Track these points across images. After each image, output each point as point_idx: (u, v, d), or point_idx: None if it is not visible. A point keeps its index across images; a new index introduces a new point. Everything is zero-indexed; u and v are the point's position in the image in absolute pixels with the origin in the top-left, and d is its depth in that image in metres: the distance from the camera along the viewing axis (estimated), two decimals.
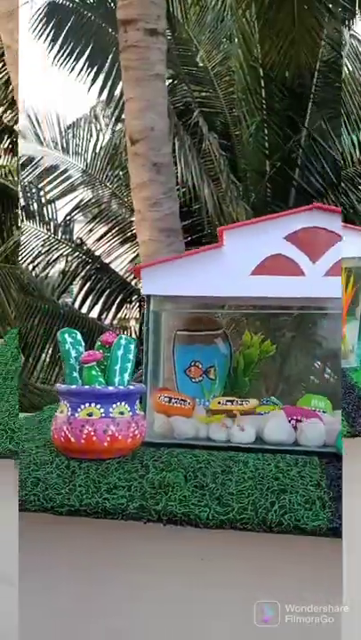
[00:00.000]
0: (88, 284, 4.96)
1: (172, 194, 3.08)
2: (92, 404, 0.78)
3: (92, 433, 0.77)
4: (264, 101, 4.45)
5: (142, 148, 2.99)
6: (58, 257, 5.15)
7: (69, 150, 5.63)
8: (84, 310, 4.82)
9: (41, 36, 4.53)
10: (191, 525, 0.70)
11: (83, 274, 4.93)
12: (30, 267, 5.07)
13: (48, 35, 4.55)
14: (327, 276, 0.86)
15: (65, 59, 4.61)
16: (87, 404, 0.78)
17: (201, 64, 5.17)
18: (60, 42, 4.57)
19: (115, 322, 4.96)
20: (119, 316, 5.05)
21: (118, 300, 5.07)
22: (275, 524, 0.69)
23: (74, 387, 0.80)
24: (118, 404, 0.79)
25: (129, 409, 0.80)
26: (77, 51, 4.63)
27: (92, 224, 5.44)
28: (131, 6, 2.86)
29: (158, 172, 3.00)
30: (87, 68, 4.64)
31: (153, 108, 2.97)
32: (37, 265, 5.08)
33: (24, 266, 5.01)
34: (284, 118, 4.22)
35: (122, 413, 0.79)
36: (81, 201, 5.50)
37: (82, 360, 0.81)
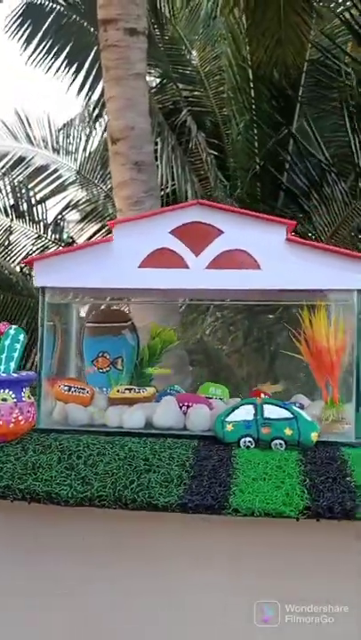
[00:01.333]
0: None
1: (153, 192, 3.11)
2: None
3: None
4: (253, 100, 4.47)
5: (123, 147, 3.03)
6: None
7: (60, 150, 5.68)
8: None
9: (16, 35, 4.56)
10: (52, 503, 0.74)
11: None
12: (20, 267, 5.11)
13: (23, 34, 4.58)
14: (209, 268, 0.90)
15: (42, 57, 4.65)
16: None
17: (193, 63, 5.20)
18: (36, 41, 4.60)
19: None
20: None
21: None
22: (130, 500, 0.72)
23: None
24: (1, 391, 0.84)
25: (13, 396, 0.84)
26: (55, 50, 4.67)
27: (83, 223, 5.49)
28: (111, 6, 2.90)
29: (139, 171, 3.04)
30: (65, 67, 4.68)
31: (134, 107, 3.01)
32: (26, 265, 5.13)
33: (13, 265, 5.05)
34: (273, 118, 4.25)
35: (4, 400, 0.83)
36: (71, 200, 5.56)
37: None
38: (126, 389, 0.98)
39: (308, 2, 3.94)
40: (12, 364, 0.86)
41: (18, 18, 4.51)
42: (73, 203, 5.51)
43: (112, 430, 0.92)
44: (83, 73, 4.66)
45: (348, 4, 4.08)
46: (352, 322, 0.90)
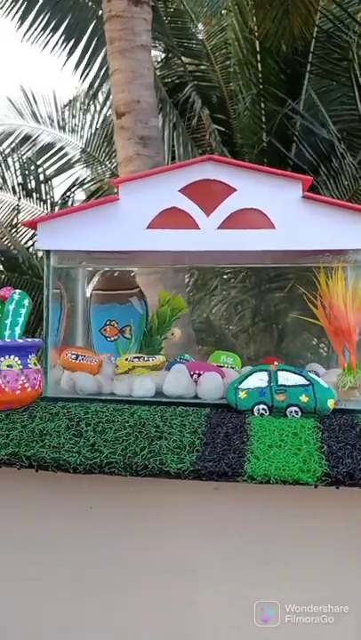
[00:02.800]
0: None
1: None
2: None
3: None
4: (260, 74, 4.37)
5: (128, 122, 2.97)
6: None
7: (66, 128, 5.61)
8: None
9: (10, 12, 4.45)
10: (61, 470, 0.71)
11: None
12: (28, 244, 5.08)
13: (18, 10, 4.46)
14: (221, 228, 0.86)
15: (39, 33, 4.54)
16: None
17: (198, 37, 5.08)
18: (31, 17, 4.48)
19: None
20: None
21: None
22: (140, 467, 0.69)
23: None
24: (7, 357, 0.80)
25: (19, 362, 0.81)
26: (52, 26, 4.55)
27: (90, 201, 5.43)
28: None
29: (145, 146, 2.99)
30: (62, 43, 4.57)
31: (139, 79, 2.94)
32: (34, 244, 5.10)
33: (20, 245, 5.01)
34: (280, 91, 4.15)
35: (10, 366, 0.80)
36: (77, 179, 5.50)
37: None
38: (135, 357, 0.95)
39: None
40: (18, 330, 0.83)
41: None
42: (79, 181, 5.45)
43: (121, 399, 0.89)
44: (80, 49, 4.55)
45: None
46: None
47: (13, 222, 5.05)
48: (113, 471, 0.70)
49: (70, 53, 4.59)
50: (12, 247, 4.83)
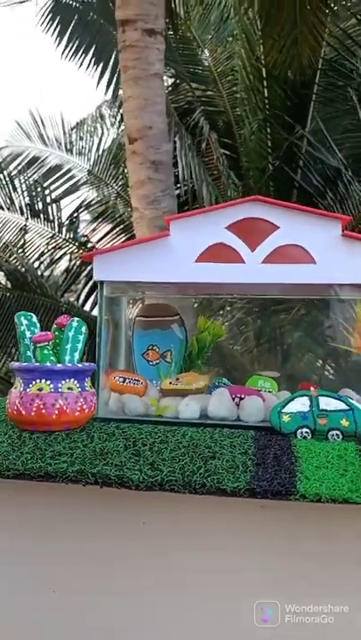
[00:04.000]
0: (91, 282, 5.03)
1: (170, 192, 3.14)
2: (43, 380, 0.85)
3: (42, 406, 0.84)
4: (266, 100, 4.48)
5: (140, 147, 3.06)
6: (62, 255, 5.24)
7: (73, 150, 5.72)
8: (86, 308, 4.90)
9: (48, 30, 4.65)
10: (124, 487, 0.77)
11: (86, 272, 5.01)
12: (36, 264, 5.15)
13: (54, 30, 4.67)
14: (265, 263, 0.92)
15: (73, 54, 4.73)
16: (38, 380, 0.85)
17: (205, 63, 5.22)
18: (66, 37, 4.69)
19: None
20: None
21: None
22: (199, 485, 0.75)
23: (26, 364, 0.87)
24: (67, 380, 0.86)
25: (78, 385, 0.87)
26: (83, 48, 4.74)
27: (96, 223, 5.52)
28: (129, 7, 2.94)
29: (157, 171, 3.07)
30: (94, 65, 4.76)
31: (151, 106, 3.04)
32: (41, 263, 5.17)
33: (28, 264, 5.09)
34: (286, 118, 4.26)
35: (70, 389, 0.86)
36: (84, 200, 5.60)
37: (34, 340, 0.88)
38: (179, 381, 1.01)
39: (324, 1, 3.95)
40: (77, 355, 0.89)
41: (48, 15, 4.61)
42: (86, 203, 5.55)
43: (168, 420, 0.95)
44: (107, 71, 4.72)
45: None
46: None
47: (20, 242, 5.14)
48: (173, 488, 0.76)
49: (101, 75, 4.78)
50: (20, 266, 4.90)
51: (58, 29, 4.60)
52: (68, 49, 4.66)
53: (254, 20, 4.31)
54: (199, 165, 4.45)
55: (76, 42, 4.64)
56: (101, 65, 4.70)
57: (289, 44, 4.04)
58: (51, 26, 4.60)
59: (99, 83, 4.75)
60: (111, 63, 4.67)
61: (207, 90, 5.04)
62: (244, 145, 4.80)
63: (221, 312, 4.17)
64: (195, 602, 0.82)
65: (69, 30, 4.62)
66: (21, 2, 4.68)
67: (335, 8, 4.20)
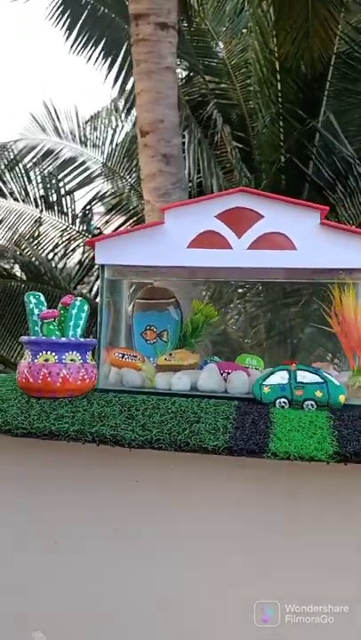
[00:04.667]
0: None
1: (181, 184, 3.21)
2: (49, 352, 0.96)
3: (47, 375, 0.94)
4: (279, 93, 4.52)
5: (152, 140, 3.13)
6: (75, 247, 5.34)
7: (87, 143, 5.80)
8: (99, 300, 5.00)
9: (58, 24, 4.74)
10: (118, 445, 0.87)
11: None
12: (49, 256, 5.26)
13: (64, 23, 4.76)
14: (250, 249, 1.02)
15: (82, 47, 4.81)
16: (44, 352, 0.96)
17: (219, 56, 5.26)
18: (76, 31, 4.77)
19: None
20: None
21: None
22: (183, 444, 0.85)
23: (34, 337, 0.97)
24: (70, 352, 0.97)
25: (80, 357, 0.97)
26: (93, 41, 4.82)
27: (109, 215, 5.61)
28: (142, 1, 3.00)
29: (168, 164, 3.14)
30: (102, 59, 4.83)
31: (163, 100, 3.10)
32: (55, 255, 5.28)
33: (43, 255, 5.20)
34: (299, 111, 4.30)
35: (73, 360, 0.96)
36: (98, 192, 5.68)
37: (42, 316, 0.98)
38: (173, 357, 1.11)
39: None
40: (79, 330, 0.99)
41: (59, 8, 4.69)
42: (100, 195, 5.64)
43: (162, 392, 1.05)
44: (116, 65, 4.79)
45: None
46: None
47: (35, 234, 5.25)
48: (161, 447, 0.85)
49: (110, 69, 4.86)
50: (34, 258, 5.02)
51: (68, 23, 4.70)
52: (78, 42, 4.76)
53: (268, 13, 4.35)
54: (209, 158, 4.51)
55: (86, 35, 4.73)
56: (111, 58, 4.78)
57: (301, 36, 4.08)
58: (60, 19, 4.70)
59: (106, 77, 4.84)
60: (121, 57, 4.75)
61: (221, 82, 5.08)
62: (257, 138, 4.85)
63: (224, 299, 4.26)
64: (186, 546, 0.91)
65: (79, 24, 4.71)
66: None
67: (347, 1, 4.23)
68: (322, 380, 0.96)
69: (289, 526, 0.89)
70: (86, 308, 1.01)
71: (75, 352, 0.97)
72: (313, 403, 0.96)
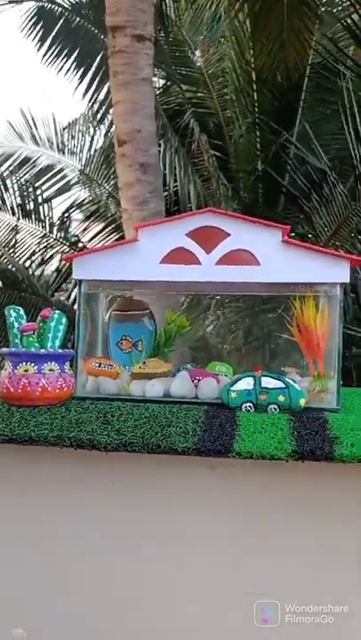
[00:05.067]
0: None
1: (158, 193, 3.26)
2: (28, 363, 1.02)
3: (27, 385, 1.00)
4: (256, 103, 4.62)
5: (129, 150, 3.18)
6: (53, 254, 5.36)
7: (65, 150, 5.82)
8: (76, 307, 5.02)
9: (30, 34, 4.77)
10: (95, 449, 0.93)
11: None
12: (27, 263, 5.26)
13: (37, 34, 4.79)
14: (218, 264, 1.09)
15: (54, 57, 4.85)
16: (24, 363, 1.02)
17: (196, 65, 5.33)
18: (49, 41, 4.81)
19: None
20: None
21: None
22: (155, 446, 0.92)
23: (14, 349, 1.03)
24: (49, 363, 1.03)
25: (58, 367, 1.04)
26: (66, 51, 4.86)
27: (87, 223, 5.64)
28: (119, 13, 3.06)
29: (145, 173, 3.19)
30: (75, 69, 4.88)
31: (140, 110, 3.15)
32: (32, 263, 5.29)
33: (20, 263, 5.20)
34: (275, 120, 4.40)
35: (52, 370, 1.03)
36: (76, 200, 5.71)
37: (22, 329, 1.04)
38: (147, 366, 1.17)
39: (311, 7, 4.10)
40: (57, 342, 1.05)
41: (31, 19, 4.73)
42: (78, 202, 5.67)
43: (136, 398, 1.11)
44: (89, 75, 4.84)
45: (350, 9, 4.22)
46: (336, 310, 1.09)
47: (11, 243, 5.25)
48: (134, 449, 0.92)
49: (81, 79, 4.90)
50: (10, 266, 5.02)
51: (41, 33, 4.74)
52: (50, 53, 4.80)
53: (244, 24, 4.45)
54: (186, 167, 4.58)
55: (59, 46, 4.78)
56: (84, 69, 4.83)
57: (277, 47, 4.19)
58: (33, 30, 4.73)
59: (77, 87, 4.89)
60: (95, 66, 4.80)
61: (198, 91, 5.16)
62: (234, 147, 4.94)
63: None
64: (157, 543, 0.98)
65: (52, 35, 4.75)
66: (13, 2, 4.80)
67: (321, 13, 4.34)
68: (284, 386, 1.04)
69: (260, 526, 0.96)
70: (64, 320, 1.07)
71: (53, 362, 1.03)
72: (276, 406, 1.03)
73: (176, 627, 0.96)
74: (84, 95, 4.93)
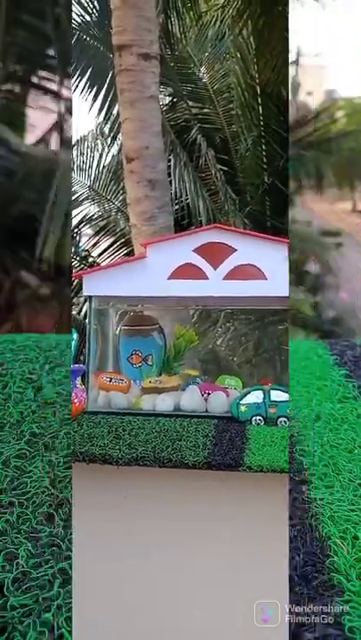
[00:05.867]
0: None
1: (166, 208, 3.30)
2: None
3: None
4: (261, 117, 4.67)
5: (137, 166, 3.22)
6: None
7: (74, 167, 5.89)
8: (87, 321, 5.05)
9: None
10: (107, 463, 0.95)
11: None
12: None
13: None
14: (225, 279, 1.11)
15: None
16: None
17: (202, 81, 5.41)
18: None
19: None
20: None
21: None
22: (166, 460, 0.93)
23: None
24: None
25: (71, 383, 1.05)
26: (79, 71, 4.96)
27: (97, 237, 5.70)
28: (125, 32, 3.11)
29: (153, 188, 3.23)
30: (88, 88, 4.97)
31: (148, 128, 3.20)
32: None
33: None
34: (280, 134, 4.44)
35: None
36: (86, 215, 5.77)
37: None
38: (157, 380, 1.19)
39: None
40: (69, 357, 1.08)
41: None
42: (87, 218, 5.73)
43: (147, 412, 1.13)
44: (101, 94, 4.93)
45: None
46: None
47: None
48: (146, 463, 0.93)
49: (95, 98, 4.98)
50: None
51: None
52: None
53: (248, 40, 4.52)
54: (194, 182, 4.63)
55: (73, 64, 4.86)
56: (97, 87, 4.92)
57: (280, 63, 4.25)
58: None
59: (92, 106, 4.96)
60: (106, 85, 4.89)
61: (204, 107, 5.23)
62: (241, 161, 4.99)
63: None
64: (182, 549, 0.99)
65: None
66: None
67: None
68: None
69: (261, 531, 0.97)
70: (75, 335, 1.09)
71: None
72: (286, 419, 1.04)
73: (177, 627, 0.96)
74: (98, 114, 5.02)
